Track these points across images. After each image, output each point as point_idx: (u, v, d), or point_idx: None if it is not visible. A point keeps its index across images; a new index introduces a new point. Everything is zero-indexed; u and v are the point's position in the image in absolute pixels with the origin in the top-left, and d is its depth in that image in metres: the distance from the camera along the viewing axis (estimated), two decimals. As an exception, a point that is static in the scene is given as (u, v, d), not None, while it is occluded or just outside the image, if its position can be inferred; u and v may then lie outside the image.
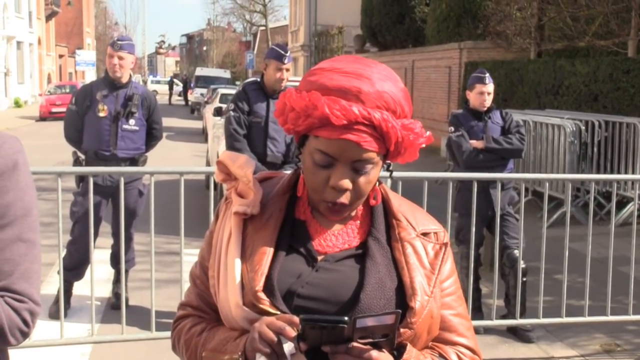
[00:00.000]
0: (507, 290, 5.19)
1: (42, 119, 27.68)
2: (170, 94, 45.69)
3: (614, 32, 11.77)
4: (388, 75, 1.37)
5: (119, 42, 5.20)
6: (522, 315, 4.94)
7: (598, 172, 9.22)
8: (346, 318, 1.23)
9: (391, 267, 1.41)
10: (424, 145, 1.41)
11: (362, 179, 1.37)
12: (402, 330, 1.34)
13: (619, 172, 8.97)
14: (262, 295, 1.34)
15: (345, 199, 1.38)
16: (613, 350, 4.92)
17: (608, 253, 4.71)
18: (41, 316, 5.02)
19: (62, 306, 4.27)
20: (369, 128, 1.32)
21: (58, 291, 4.56)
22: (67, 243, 5.11)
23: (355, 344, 1.25)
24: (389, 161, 1.44)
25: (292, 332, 1.25)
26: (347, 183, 1.36)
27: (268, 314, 1.32)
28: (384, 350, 1.28)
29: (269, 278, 1.37)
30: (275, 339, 1.26)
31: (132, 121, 5.24)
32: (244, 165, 1.46)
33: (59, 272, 4.52)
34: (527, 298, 5.07)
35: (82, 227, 4.89)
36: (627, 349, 4.96)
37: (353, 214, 1.46)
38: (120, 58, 5.15)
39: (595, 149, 9.31)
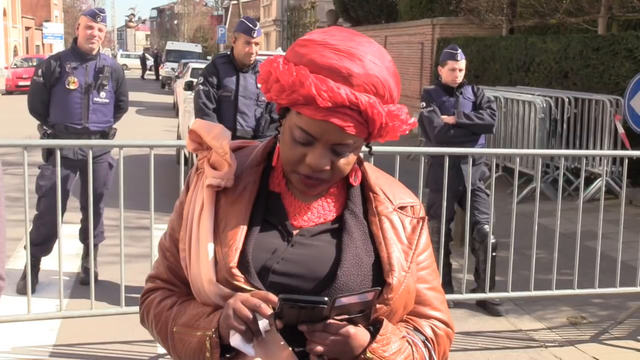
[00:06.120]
0: (477, 264, 5.26)
1: (9, 92, 27.19)
2: (144, 70, 44.99)
3: (585, 10, 11.84)
4: (381, 58, 1.31)
5: (101, 14, 5.12)
6: (492, 289, 5.00)
7: (567, 148, 9.29)
8: (326, 299, 1.21)
9: (368, 242, 1.40)
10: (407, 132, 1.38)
11: (341, 161, 1.34)
12: (378, 306, 1.33)
13: (587, 149, 9.07)
14: (236, 271, 1.31)
15: (321, 174, 1.35)
16: (579, 323, 5.02)
17: (576, 228, 4.77)
18: (8, 292, 4.92)
19: (30, 281, 4.21)
20: (354, 112, 1.27)
21: (25, 266, 4.50)
22: (33, 217, 5.03)
23: (332, 320, 1.24)
24: (368, 142, 1.40)
25: (268, 310, 1.23)
26: (324, 164, 1.33)
27: (242, 290, 1.30)
28: (360, 325, 1.28)
29: (243, 254, 1.33)
30: (251, 316, 1.24)
31: (102, 94, 5.16)
32: (219, 136, 1.42)
33: (25, 247, 4.46)
34: (497, 272, 5.13)
35: (48, 201, 4.81)
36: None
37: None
38: (100, 30, 5.08)
39: (565, 126, 9.40)
